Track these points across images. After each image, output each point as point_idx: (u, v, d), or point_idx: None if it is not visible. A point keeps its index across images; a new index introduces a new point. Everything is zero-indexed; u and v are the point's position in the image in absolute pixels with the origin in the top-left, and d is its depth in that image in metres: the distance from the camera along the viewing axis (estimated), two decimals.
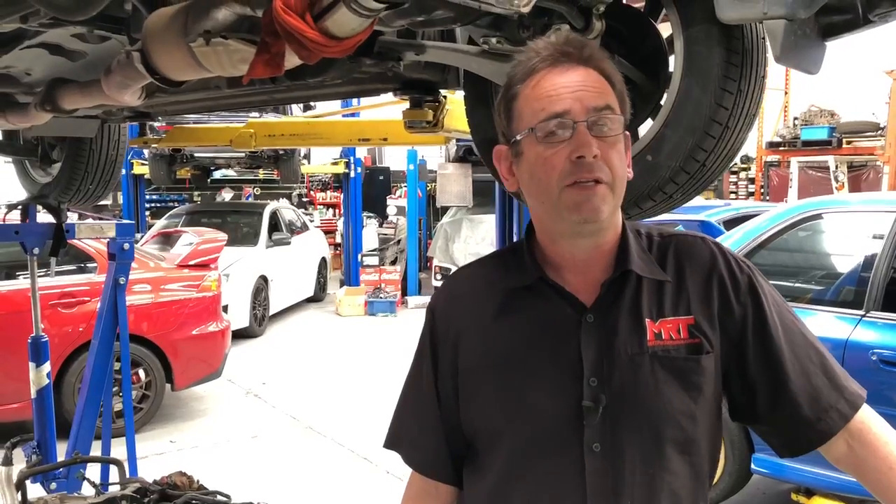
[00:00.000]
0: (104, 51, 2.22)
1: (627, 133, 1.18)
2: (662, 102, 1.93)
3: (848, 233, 4.63)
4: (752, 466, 4.07)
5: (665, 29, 1.99)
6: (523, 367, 1.19)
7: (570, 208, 1.13)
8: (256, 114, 8.55)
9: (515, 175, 1.23)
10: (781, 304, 1.25)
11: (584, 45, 1.18)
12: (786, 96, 17.22)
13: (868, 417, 1.20)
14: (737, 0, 1.55)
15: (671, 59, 1.94)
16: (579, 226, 1.15)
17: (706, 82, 1.75)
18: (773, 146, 16.10)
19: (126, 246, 3.33)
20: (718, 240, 1.41)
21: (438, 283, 12.28)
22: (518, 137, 1.17)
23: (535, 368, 1.18)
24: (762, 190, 16.72)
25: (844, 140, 14.70)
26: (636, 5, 2.22)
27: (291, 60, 1.19)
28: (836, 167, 14.62)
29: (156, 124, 6.98)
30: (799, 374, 1.19)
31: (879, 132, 13.96)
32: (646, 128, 1.93)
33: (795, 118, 16.52)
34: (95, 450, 3.30)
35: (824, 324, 3.78)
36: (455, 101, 2.69)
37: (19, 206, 3.32)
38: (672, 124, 1.82)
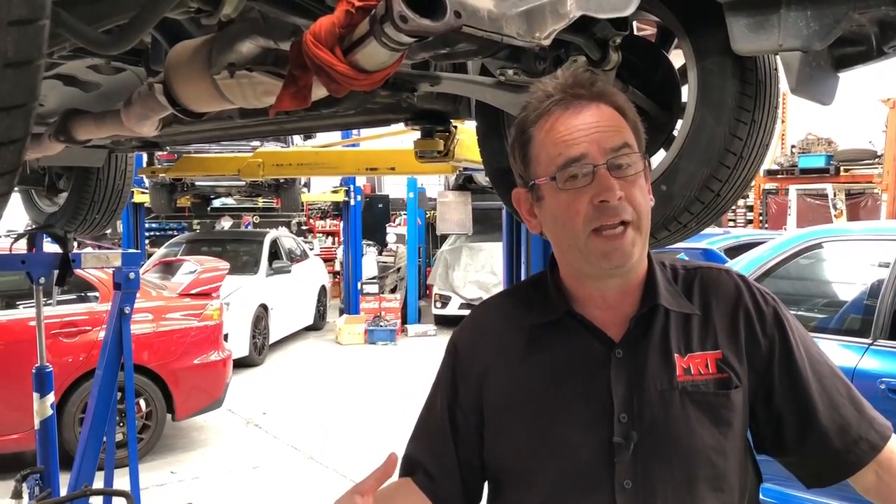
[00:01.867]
0: (118, 82, 2.24)
1: (647, 160, 1.17)
2: (675, 133, 1.94)
3: (849, 261, 4.62)
4: (761, 497, 4.03)
5: (675, 58, 2.01)
6: (553, 404, 1.18)
7: (600, 257, 1.12)
8: (258, 142, 8.58)
9: (538, 217, 1.22)
10: (806, 336, 1.24)
11: (593, 81, 1.16)
12: (783, 124, 17.34)
13: None
14: (752, 32, 1.56)
15: (683, 89, 1.96)
16: (609, 270, 1.15)
17: (721, 113, 1.76)
18: (771, 174, 16.15)
19: (132, 275, 3.31)
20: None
21: (439, 311, 12.25)
22: (537, 182, 1.17)
23: (565, 405, 1.17)
24: (761, 218, 16.76)
25: (842, 168, 14.78)
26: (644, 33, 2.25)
27: (317, 93, 1.19)
28: (835, 195, 14.68)
29: (157, 153, 7.00)
30: (827, 405, 1.19)
31: (877, 160, 14.03)
32: (659, 157, 1.94)
33: (793, 146, 16.63)
34: (98, 481, 3.25)
35: (830, 352, 3.71)
36: (465, 131, 2.70)
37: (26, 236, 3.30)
38: (686, 155, 1.82)
